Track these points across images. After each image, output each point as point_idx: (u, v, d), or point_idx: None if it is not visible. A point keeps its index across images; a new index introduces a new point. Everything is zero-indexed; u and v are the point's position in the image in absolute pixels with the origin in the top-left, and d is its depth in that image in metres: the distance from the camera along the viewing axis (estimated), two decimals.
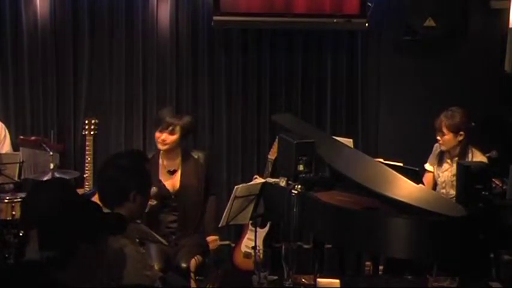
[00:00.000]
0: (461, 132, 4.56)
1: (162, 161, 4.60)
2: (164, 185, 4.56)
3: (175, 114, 4.66)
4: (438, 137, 4.62)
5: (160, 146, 4.53)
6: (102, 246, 2.47)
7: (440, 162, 4.74)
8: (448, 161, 4.68)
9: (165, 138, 4.49)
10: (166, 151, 4.56)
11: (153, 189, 4.37)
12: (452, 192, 4.47)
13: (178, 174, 4.59)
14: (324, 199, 3.60)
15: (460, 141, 4.58)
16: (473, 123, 4.60)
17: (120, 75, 5.69)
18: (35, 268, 2.35)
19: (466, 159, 4.52)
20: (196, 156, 4.65)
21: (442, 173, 4.72)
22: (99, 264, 2.48)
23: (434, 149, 4.82)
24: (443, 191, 4.69)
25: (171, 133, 4.49)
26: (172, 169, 4.59)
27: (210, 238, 4.61)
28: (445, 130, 4.56)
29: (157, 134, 4.53)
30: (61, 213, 2.40)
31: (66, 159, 5.65)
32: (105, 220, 2.50)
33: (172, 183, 4.58)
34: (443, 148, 4.65)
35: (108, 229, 2.50)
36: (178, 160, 4.60)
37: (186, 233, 4.58)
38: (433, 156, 4.81)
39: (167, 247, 4.34)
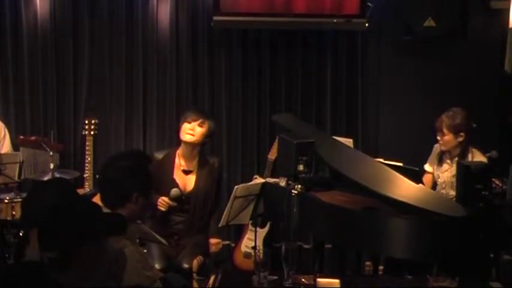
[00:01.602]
0: (462, 133, 4.56)
1: (178, 160, 4.62)
2: (177, 185, 4.57)
3: (202, 111, 4.75)
4: (438, 137, 4.63)
5: (186, 137, 4.54)
6: (103, 247, 2.47)
7: (440, 162, 4.74)
8: (448, 161, 4.69)
9: (193, 128, 4.53)
10: (187, 148, 4.57)
11: (175, 191, 4.41)
12: (452, 192, 4.47)
13: (193, 176, 4.60)
14: (324, 199, 3.60)
15: (460, 142, 4.58)
16: (474, 125, 4.60)
17: (120, 75, 5.69)
18: (35, 268, 2.35)
19: (466, 160, 4.52)
20: (211, 161, 4.67)
21: (442, 174, 4.72)
22: (100, 265, 2.48)
23: (434, 149, 4.82)
24: (443, 191, 4.69)
25: (200, 125, 4.54)
26: (188, 169, 4.61)
27: (212, 240, 4.61)
28: (445, 130, 4.56)
29: (185, 125, 4.56)
30: (61, 214, 2.40)
31: (66, 159, 5.65)
32: (105, 221, 2.50)
33: (185, 183, 4.59)
34: (443, 148, 4.65)
35: (109, 230, 2.50)
36: (195, 162, 4.62)
37: (190, 234, 4.58)
38: (432, 157, 4.81)
39: (168, 247, 4.35)
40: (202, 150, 4.66)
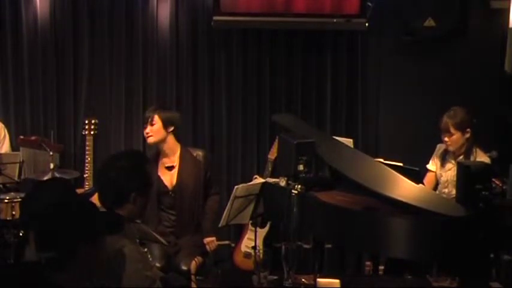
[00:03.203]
0: (468, 129, 4.58)
1: (161, 158, 4.65)
2: (162, 181, 4.59)
3: (149, 108, 4.78)
4: (446, 138, 4.61)
5: (148, 141, 4.62)
6: (100, 246, 2.47)
7: (443, 161, 4.74)
8: (452, 160, 4.69)
9: (148, 131, 4.58)
10: (160, 146, 4.60)
11: None
12: (455, 191, 4.47)
13: (175, 171, 4.61)
14: (324, 199, 3.60)
15: (467, 139, 4.59)
16: (474, 120, 4.61)
17: (120, 75, 5.69)
18: (34, 268, 2.35)
19: (471, 159, 4.53)
20: (195, 154, 4.67)
21: (445, 173, 4.72)
22: (98, 264, 2.48)
23: (437, 148, 4.82)
24: (446, 190, 4.69)
25: (151, 124, 4.57)
26: (170, 165, 4.63)
27: (207, 240, 4.61)
28: (452, 130, 4.56)
29: (144, 132, 4.64)
30: (56, 214, 2.39)
31: (66, 159, 5.65)
32: (101, 220, 2.50)
33: (170, 179, 4.62)
34: (451, 149, 4.64)
35: (105, 229, 2.49)
36: (176, 156, 4.64)
37: (184, 232, 4.59)
38: (435, 156, 4.82)
39: (167, 247, 4.35)
40: (178, 139, 4.67)
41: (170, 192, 4.60)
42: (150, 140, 4.60)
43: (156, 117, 4.57)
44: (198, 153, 4.70)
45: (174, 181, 4.60)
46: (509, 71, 5.07)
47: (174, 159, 4.63)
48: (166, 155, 4.64)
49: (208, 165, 4.75)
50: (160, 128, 4.57)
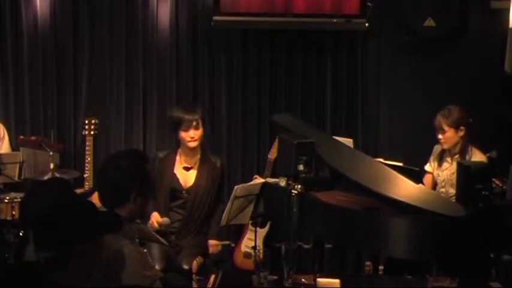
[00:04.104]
0: (462, 127, 4.58)
1: (179, 157, 4.65)
2: (178, 179, 4.60)
3: (188, 109, 4.68)
4: (440, 136, 4.62)
5: (191, 144, 4.55)
6: (99, 246, 2.47)
7: (440, 162, 4.74)
8: (448, 159, 4.69)
9: (193, 135, 4.53)
10: (192, 147, 4.58)
11: (166, 220, 4.41)
12: (452, 191, 4.48)
13: (194, 172, 4.62)
14: (324, 199, 3.60)
15: (461, 137, 4.59)
16: (470, 119, 4.61)
17: (120, 75, 5.69)
18: (34, 268, 2.34)
19: (467, 158, 4.53)
20: (213, 160, 4.69)
21: (442, 172, 4.73)
22: (97, 264, 2.48)
23: (434, 150, 4.82)
24: (443, 189, 4.70)
25: (196, 128, 4.54)
26: (189, 166, 4.63)
27: (211, 242, 4.62)
28: (445, 127, 4.57)
29: (183, 134, 4.55)
30: (56, 214, 2.39)
31: (66, 159, 5.65)
32: (99, 219, 2.50)
33: (186, 179, 4.62)
34: (445, 146, 4.65)
35: (104, 228, 2.49)
36: (197, 158, 4.65)
37: (187, 233, 4.59)
38: (433, 157, 4.82)
39: (168, 247, 4.35)
40: (202, 145, 4.68)
41: (183, 192, 4.60)
42: (193, 144, 4.54)
43: (200, 119, 4.54)
44: (217, 161, 4.73)
45: (191, 182, 4.61)
46: (509, 71, 5.07)
47: (194, 161, 4.64)
48: (188, 155, 4.63)
49: (225, 174, 4.82)
50: (201, 131, 4.57)
